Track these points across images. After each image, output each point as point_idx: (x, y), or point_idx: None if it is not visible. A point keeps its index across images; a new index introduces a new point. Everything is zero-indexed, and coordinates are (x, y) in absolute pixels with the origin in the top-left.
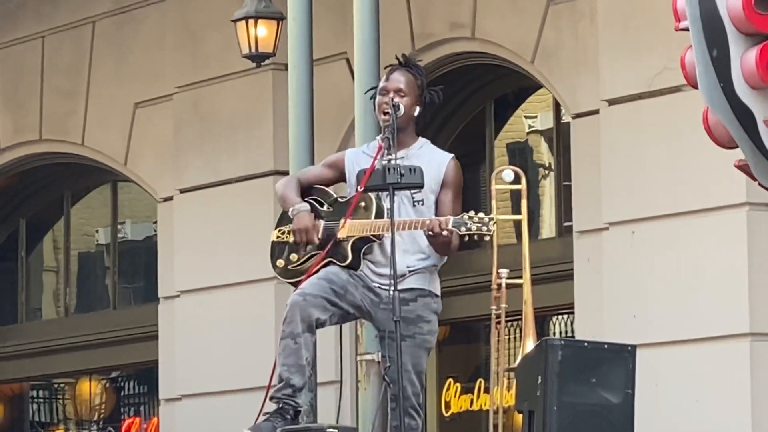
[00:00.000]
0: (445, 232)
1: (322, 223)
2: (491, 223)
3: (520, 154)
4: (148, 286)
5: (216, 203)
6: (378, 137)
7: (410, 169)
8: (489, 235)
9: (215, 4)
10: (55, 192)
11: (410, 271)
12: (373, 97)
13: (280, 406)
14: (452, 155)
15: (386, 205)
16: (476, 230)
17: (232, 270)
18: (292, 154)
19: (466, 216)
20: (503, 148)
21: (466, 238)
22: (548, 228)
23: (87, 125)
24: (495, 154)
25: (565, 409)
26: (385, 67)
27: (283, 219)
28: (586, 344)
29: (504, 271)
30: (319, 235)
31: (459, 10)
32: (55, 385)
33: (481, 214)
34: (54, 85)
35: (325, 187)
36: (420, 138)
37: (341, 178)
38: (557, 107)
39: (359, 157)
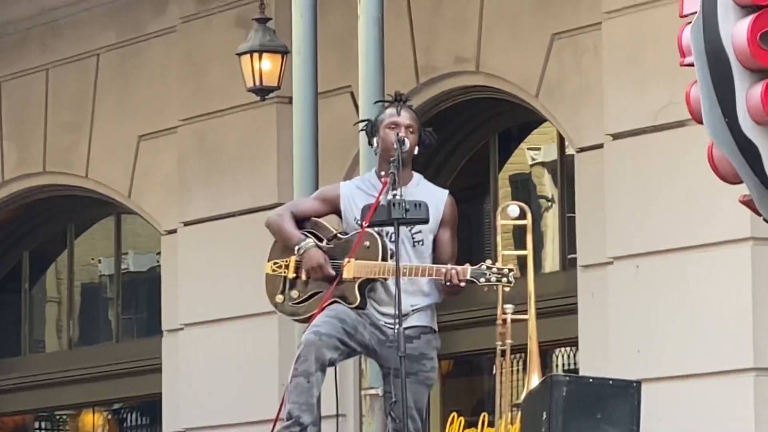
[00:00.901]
0: (463, 284)
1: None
2: (511, 274)
3: (523, 186)
4: (152, 318)
5: (220, 236)
6: (372, 172)
7: (415, 205)
8: (509, 286)
9: (220, 37)
10: (58, 224)
11: (413, 310)
12: (368, 130)
13: None
14: (448, 192)
15: (389, 244)
16: (496, 281)
17: (236, 303)
18: (296, 187)
19: (484, 266)
20: (506, 179)
21: (485, 289)
22: (552, 261)
23: (91, 158)
24: (499, 187)
25: None
26: (377, 101)
27: (275, 251)
28: (591, 380)
29: (509, 307)
30: (331, 270)
31: (463, 44)
32: (58, 417)
33: (499, 264)
34: (58, 117)
35: (320, 221)
36: (415, 174)
37: (334, 212)
38: (561, 140)
39: (354, 192)
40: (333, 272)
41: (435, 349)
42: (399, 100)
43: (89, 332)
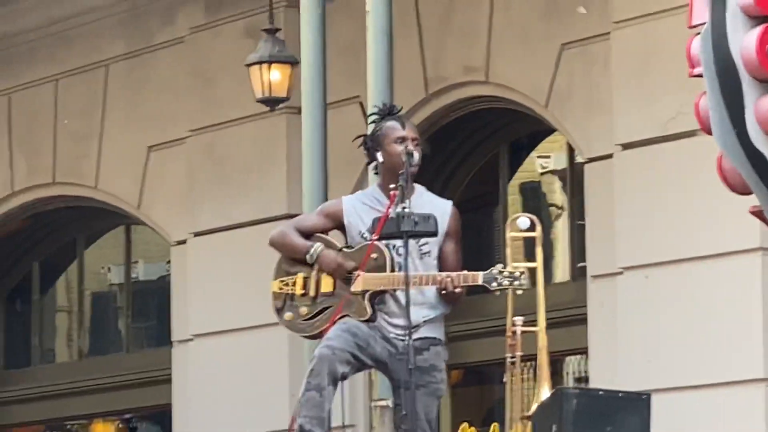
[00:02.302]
0: (458, 290)
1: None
2: (523, 277)
3: (533, 195)
4: (162, 328)
5: (229, 247)
6: (375, 186)
7: (424, 218)
8: (522, 289)
9: (229, 48)
10: (67, 235)
11: (424, 321)
12: (367, 145)
13: None
14: (451, 203)
15: (396, 257)
16: (508, 285)
17: (246, 314)
18: (305, 197)
19: (495, 270)
20: (516, 188)
21: (498, 293)
22: (562, 271)
23: (100, 168)
24: (509, 196)
25: None
26: (371, 114)
27: (280, 269)
28: (600, 393)
29: (519, 319)
30: (350, 263)
31: (472, 54)
32: (68, 427)
33: (510, 268)
34: (67, 128)
35: (324, 236)
36: (417, 186)
37: (338, 227)
38: (571, 148)
39: (357, 207)
40: (353, 263)
41: (444, 361)
42: (393, 112)
43: (99, 342)
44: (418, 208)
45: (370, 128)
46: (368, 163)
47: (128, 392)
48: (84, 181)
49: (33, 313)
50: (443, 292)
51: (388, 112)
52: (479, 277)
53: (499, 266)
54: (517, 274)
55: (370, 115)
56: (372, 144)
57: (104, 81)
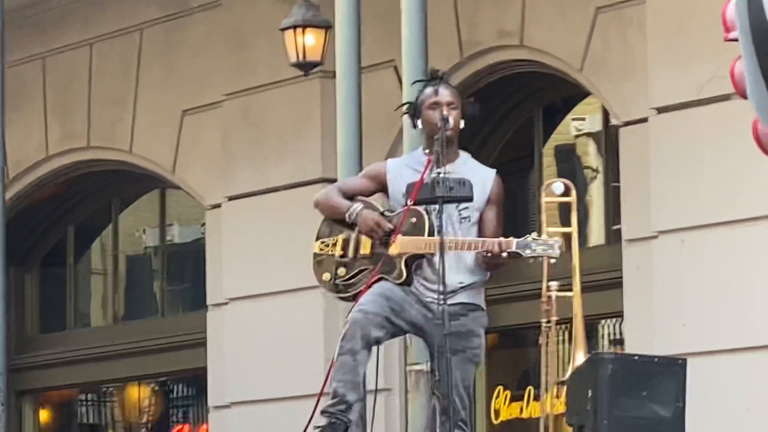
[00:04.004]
0: (504, 254)
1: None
2: (557, 245)
3: (567, 158)
4: (197, 291)
5: (264, 211)
6: (420, 149)
7: (460, 182)
8: (555, 258)
9: (263, 12)
10: (102, 199)
11: (462, 287)
12: (410, 113)
13: (332, 421)
14: (495, 170)
15: (435, 221)
16: (542, 252)
17: (281, 277)
18: (340, 161)
19: (530, 238)
20: (551, 151)
21: (531, 261)
22: (597, 235)
23: (135, 132)
24: (543, 160)
25: (616, 424)
26: (415, 81)
27: (323, 230)
28: (636, 358)
29: (554, 284)
30: (388, 224)
31: (507, 18)
32: (104, 390)
33: (545, 236)
34: (102, 92)
35: (367, 199)
36: (462, 152)
37: (382, 189)
38: (605, 111)
39: (401, 170)
40: (391, 226)
41: (482, 327)
42: (436, 77)
43: (134, 306)
44: (460, 174)
45: (407, 92)
46: (416, 130)
47: (163, 356)
48: (119, 145)
49: (68, 277)
50: (488, 254)
51: (432, 77)
52: (512, 244)
53: (534, 234)
54: (551, 242)
55: (415, 82)
56: (413, 111)
57: (139, 45)
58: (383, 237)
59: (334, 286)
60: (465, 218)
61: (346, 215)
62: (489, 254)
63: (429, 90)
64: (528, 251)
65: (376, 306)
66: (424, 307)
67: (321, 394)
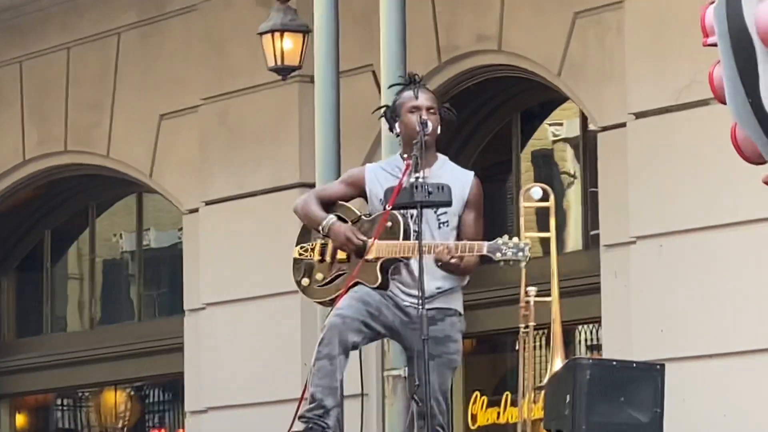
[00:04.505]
0: (453, 260)
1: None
2: (527, 248)
3: (545, 163)
4: (174, 296)
5: (242, 215)
6: (398, 155)
7: (438, 187)
8: (524, 261)
9: (241, 16)
10: (79, 203)
11: (439, 292)
12: (387, 116)
13: (310, 426)
14: (473, 173)
15: (413, 225)
16: (511, 256)
17: (258, 282)
18: (318, 166)
19: (500, 241)
20: (529, 156)
21: (501, 264)
22: (575, 240)
23: (112, 137)
24: (521, 166)
25: (594, 429)
26: (392, 85)
27: (304, 236)
28: (614, 363)
29: (532, 289)
30: (359, 237)
31: (485, 23)
32: (80, 395)
33: (515, 239)
34: (79, 96)
35: (346, 204)
36: (440, 156)
37: (361, 194)
38: (583, 116)
39: (380, 174)
40: (363, 239)
41: (460, 332)
42: (414, 81)
43: (111, 311)
44: (439, 178)
45: (385, 96)
46: (394, 133)
47: (140, 360)
48: (96, 150)
49: (45, 282)
50: (438, 264)
51: (409, 81)
52: (484, 247)
53: (505, 237)
54: (522, 245)
55: (392, 85)
56: (390, 114)
57: (116, 49)
58: (355, 250)
59: (312, 291)
60: (443, 223)
61: (320, 228)
62: (453, 260)
63: (408, 93)
64: (498, 254)
65: (354, 310)
66: (401, 311)
67: (302, 398)
